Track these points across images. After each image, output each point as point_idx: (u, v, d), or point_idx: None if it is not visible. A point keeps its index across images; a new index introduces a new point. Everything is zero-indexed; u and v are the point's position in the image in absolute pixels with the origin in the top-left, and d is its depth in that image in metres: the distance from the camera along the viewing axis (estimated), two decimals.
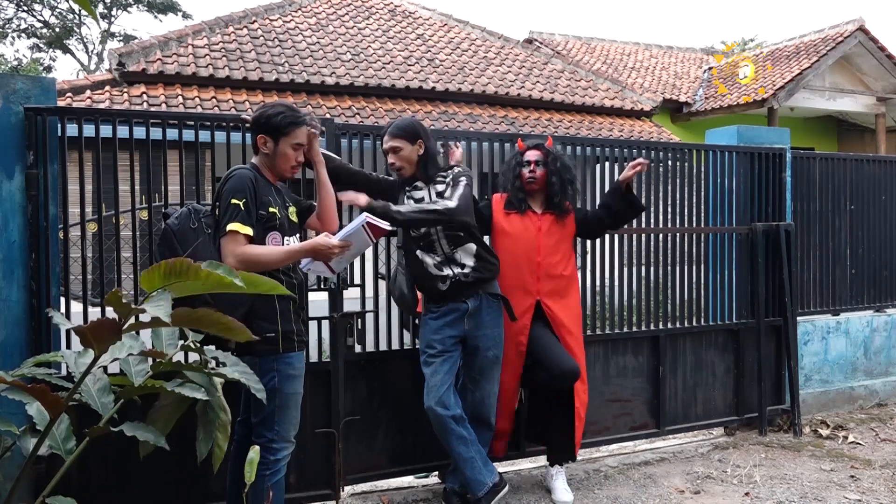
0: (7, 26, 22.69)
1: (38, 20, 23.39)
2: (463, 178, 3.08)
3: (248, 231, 2.39)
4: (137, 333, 2.11)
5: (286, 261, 2.45)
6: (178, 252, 2.34)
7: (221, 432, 2.33)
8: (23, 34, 23.22)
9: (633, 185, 3.50)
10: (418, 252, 3.09)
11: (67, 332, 2.82)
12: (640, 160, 3.35)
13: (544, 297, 3.37)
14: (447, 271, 3.06)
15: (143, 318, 1.87)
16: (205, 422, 2.32)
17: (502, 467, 3.83)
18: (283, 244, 2.53)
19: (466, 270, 3.06)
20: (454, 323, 3.08)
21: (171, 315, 1.82)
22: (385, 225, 2.57)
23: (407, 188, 3.12)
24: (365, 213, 2.61)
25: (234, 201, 2.39)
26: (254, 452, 1.81)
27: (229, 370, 2.17)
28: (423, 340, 3.14)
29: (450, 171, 3.14)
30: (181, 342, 2.36)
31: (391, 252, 4.31)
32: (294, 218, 2.66)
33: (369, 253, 3.57)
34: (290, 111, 2.56)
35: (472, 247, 3.09)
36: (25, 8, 22.84)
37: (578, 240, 3.97)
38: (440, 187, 3.08)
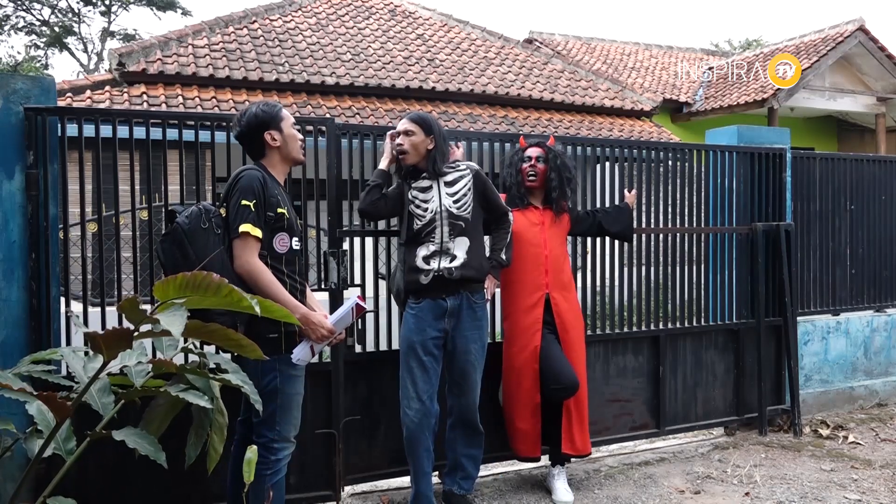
0: (5, 23, 22.66)
1: (38, 19, 23.38)
2: (486, 177, 3.20)
3: (259, 233, 2.41)
4: None
5: (281, 303, 2.39)
6: (187, 251, 2.31)
7: (217, 435, 2.32)
8: (21, 32, 23.17)
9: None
10: (414, 245, 3.07)
11: (68, 331, 2.83)
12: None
13: (552, 291, 3.39)
14: (433, 264, 3.01)
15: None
16: (197, 426, 2.32)
17: (502, 467, 3.84)
18: (290, 244, 2.55)
19: (455, 264, 3.00)
20: (436, 321, 3.02)
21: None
22: (366, 305, 2.68)
23: (411, 181, 3.11)
24: (356, 296, 2.73)
25: (244, 202, 2.41)
26: (251, 452, 1.81)
27: (231, 376, 2.17)
28: (404, 339, 3.07)
29: (458, 163, 3.14)
30: (182, 343, 2.36)
31: (391, 252, 4.31)
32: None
33: (369, 253, 3.57)
34: (263, 104, 2.61)
35: (467, 242, 3.05)
36: (24, 7, 22.81)
37: (578, 239, 4.00)
38: (449, 177, 3.08)
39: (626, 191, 3.85)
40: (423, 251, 3.04)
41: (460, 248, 3.04)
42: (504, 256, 3.20)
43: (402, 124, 3.07)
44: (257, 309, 1.84)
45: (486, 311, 3.20)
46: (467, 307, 3.07)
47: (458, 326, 3.05)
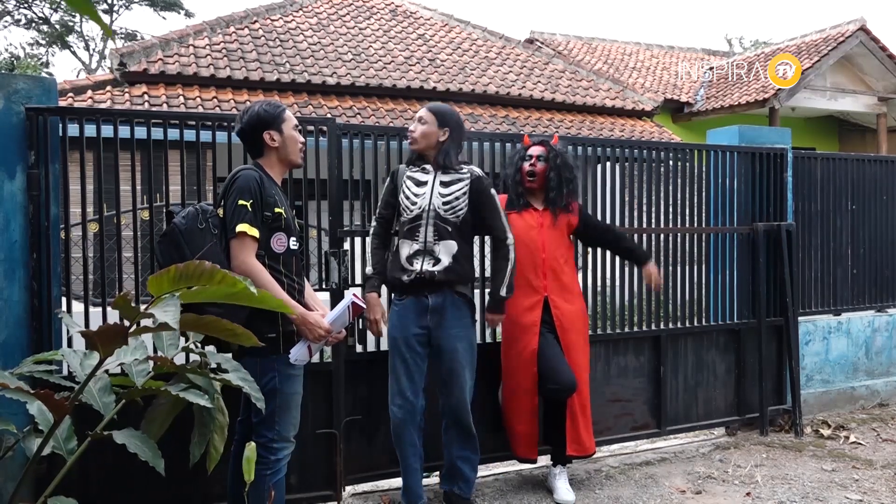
0: (5, 19, 22.65)
1: (39, 17, 23.38)
2: (493, 192, 3.11)
3: (256, 233, 2.41)
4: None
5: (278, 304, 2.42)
6: (184, 252, 2.31)
7: (218, 434, 2.32)
8: (21, 28, 23.19)
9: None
10: (400, 240, 3.07)
11: (69, 331, 2.83)
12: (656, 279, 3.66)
13: (551, 294, 3.37)
14: (416, 265, 2.98)
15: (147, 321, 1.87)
16: (200, 424, 2.32)
17: (503, 467, 3.84)
18: (288, 244, 2.54)
19: (438, 268, 2.97)
20: (417, 318, 3.01)
21: (179, 320, 1.82)
22: (363, 303, 2.67)
23: (411, 168, 3.10)
24: (352, 294, 2.70)
25: (241, 202, 2.40)
26: (250, 450, 1.80)
27: (231, 376, 2.17)
28: (389, 335, 3.10)
29: (464, 166, 3.10)
30: (182, 342, 2.36)
31: None
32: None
33: (370, 253, 3.57)
34: (266, 103, 2.60)
35: (454, 246, 3.00)
36: (25, 3, 22.81)
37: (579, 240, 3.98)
38: (447, 178, 3.04)
39: (645, 268, 3.65)
40: (406, 250, 3.03)
41: (445, 251, 2.99)
42: (504, 293, 3.09)
43: (420, 111, 3.09)
44: (252, 290, 1.84)
45: (470, 309, 3.13)
46: (451, 305, 3.02)
47: (443, 325, 3.00)
